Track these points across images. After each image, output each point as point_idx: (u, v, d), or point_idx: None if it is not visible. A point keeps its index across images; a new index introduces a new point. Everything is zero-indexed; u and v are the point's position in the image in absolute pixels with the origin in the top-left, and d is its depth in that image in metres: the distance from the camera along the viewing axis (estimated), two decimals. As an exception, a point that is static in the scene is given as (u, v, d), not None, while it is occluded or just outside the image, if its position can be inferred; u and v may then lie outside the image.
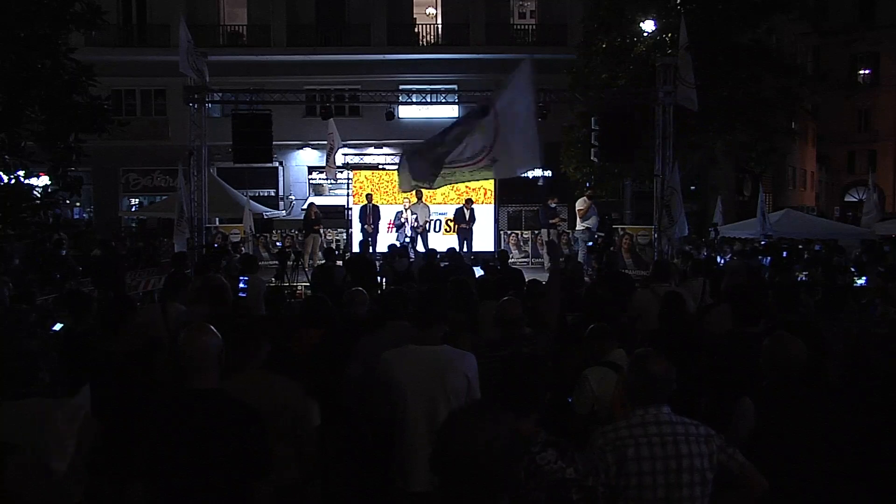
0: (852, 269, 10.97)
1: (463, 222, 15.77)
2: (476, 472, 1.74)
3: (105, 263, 11.37)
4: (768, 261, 12.38)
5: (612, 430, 2.74)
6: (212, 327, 3.02)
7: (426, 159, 5.71)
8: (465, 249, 15.59)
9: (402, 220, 15.61)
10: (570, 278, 7.73)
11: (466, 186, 17.17)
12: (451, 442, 1.78)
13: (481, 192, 16.80)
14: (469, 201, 16.05)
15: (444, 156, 5.49)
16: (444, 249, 11.77)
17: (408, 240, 15.08)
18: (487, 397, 3.37)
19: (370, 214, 15.90)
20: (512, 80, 5.52)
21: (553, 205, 15.91)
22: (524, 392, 2.63)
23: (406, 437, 3.39)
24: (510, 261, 12.25)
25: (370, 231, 15.76)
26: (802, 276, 10.84)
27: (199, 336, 2.96)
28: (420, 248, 14.74)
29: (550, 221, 15.80)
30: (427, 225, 15.82)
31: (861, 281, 9.96)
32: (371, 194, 16.46)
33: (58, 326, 5.25)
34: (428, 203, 16.09)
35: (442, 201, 16.79)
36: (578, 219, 14.99)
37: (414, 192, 16.17)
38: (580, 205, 15.13)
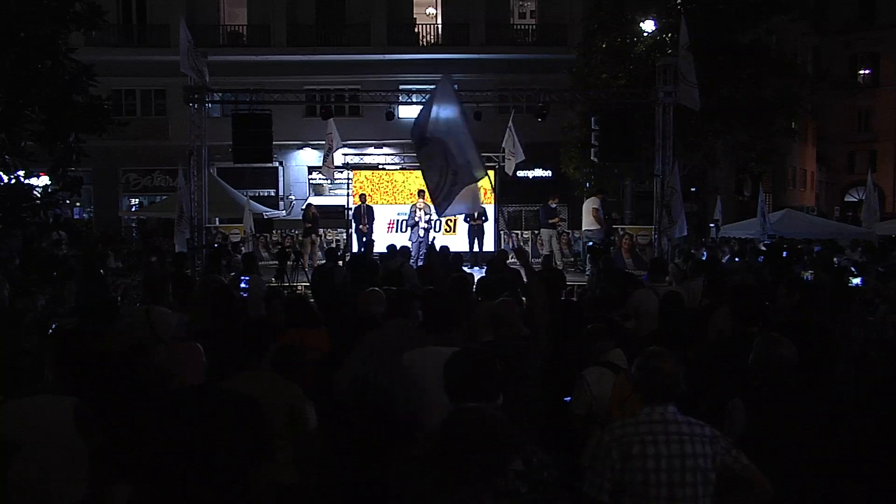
0: (853, 270, 10.96)
1: (473, 220, 15.75)
2: (472, 466, 1.79)
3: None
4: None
5: (619, 427, 2.77)
6: (195, 344, 3.11)
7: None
8: (476, 248, 15.59)
9: (416, 218, 15.57)
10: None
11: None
12: (451, 437, 1.84)
13: (481, 192, 16.77)
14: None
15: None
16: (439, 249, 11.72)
17: (421, 239, 15.01)
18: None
19: (364, 215, 15.86)
20: (433, 99, 5.46)
21: (554, 205, 15.93)
22: (474, 385, 2.60)
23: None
24: (509, 261, 12.25)
25: (364, 231, 15.73)
26: (808, 276, 10.83)
27: (185, 342, 3.07)
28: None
29: (550, 221, 15.81)
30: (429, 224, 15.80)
31: (857, 281, 9.95)
32: (364, 195, 16.39)
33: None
34: (428, 203, 16.08)
35: (416, 200, 16.71)
36: (593, 219, 15.10)
37: (417, 191, 16.21)
38: (596, 204, 15.25)
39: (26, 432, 3.03)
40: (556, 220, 16.00)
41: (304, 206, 18.49)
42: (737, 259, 13.73)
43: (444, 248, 11.04)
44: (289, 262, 12.46)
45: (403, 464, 2.22)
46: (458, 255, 10.92)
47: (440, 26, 25.90)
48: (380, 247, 13.61)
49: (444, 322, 3.63)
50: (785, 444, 3.19)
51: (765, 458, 2.88)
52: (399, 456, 3.26)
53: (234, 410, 2.93)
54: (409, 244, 13.28)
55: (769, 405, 3.26)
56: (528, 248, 17.61)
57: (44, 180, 9.79)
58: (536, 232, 17.60)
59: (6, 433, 2.98)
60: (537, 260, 16.73)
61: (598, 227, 15.19)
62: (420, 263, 12.39)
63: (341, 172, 17.67)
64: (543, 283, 5.04)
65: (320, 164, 21.08)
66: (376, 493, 3.53)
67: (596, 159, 15.28)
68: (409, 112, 22.94)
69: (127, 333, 4.69)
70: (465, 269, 10.85)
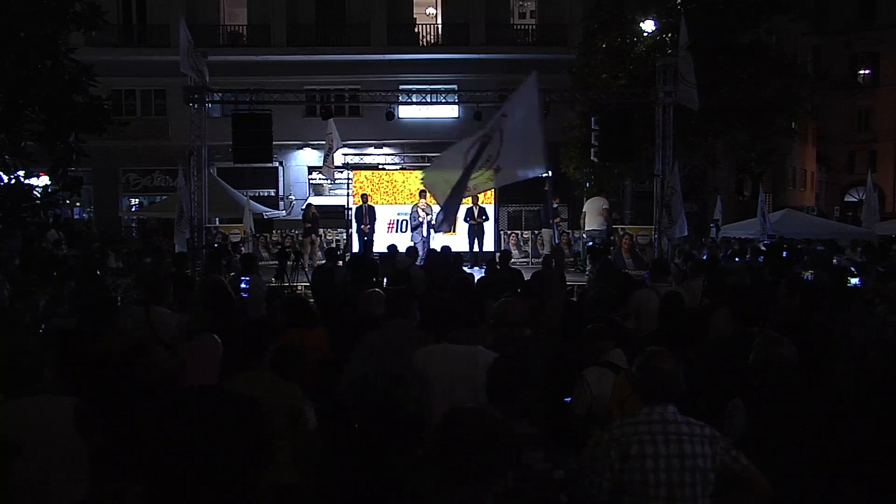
0: (852, 270, 10.96)
1: (473, 219, 15.74)
2: (471, 466, 1.79)
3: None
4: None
5: (618, 427, 2.77)
6: (213, 335, 3.09)
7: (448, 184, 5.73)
8: (476, 248, 15.58)
9: (420, 219, 15.53)
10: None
11: (467, 186, 17.18)
12: (451, 437, 1.84)
13: (481, 192, 16.78)
14: (475, 198, 16.05)
15: (464, 174, 5.50)
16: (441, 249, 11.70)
17: (424, 239, 14.98)
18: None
19: (366, 215, 15.88)
20: (518, 91, 5.47)
21: (555, 205, 15.94)
22: (514, 393, 2.61)
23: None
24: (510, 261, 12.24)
25: (366, 231, 15.74)
26: (808, 276, 10.83)
27: (200, 339, 3.03)
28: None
29: (551, 221, 15.82)
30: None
31: (855, 281, 9.94)
32: (366, 195, 16.41)
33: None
34: (430, 203, 16.05)
35: (418, 200, 16.73)
36: (603, 219, 15.13)
37: (418, 192, 16.23)
38: (605, 204, 15.28)
39: (26, 432, 3.03)
40: (556, 219, 16.00)
41: (304, 206, 18.49)
42: (736, 259, 13.72)
43: (446, 248, 11.01)
44: (289, 263, 12.44)
45: (406, 463, 2.23)
46: (458, 256, 10.92)
47: (440, 26, 25.90)
48: (380, 247, 13.62)
49: (443, 323, 3.63)
50: (785, 444, 3.19)
51: (765, 458, 2.88)
52: (402, 456, 3.26)
53: (235, 412, 2.92)
54: (412, 245, 13.27)
55: (769, 405, 3.26)
56: (528, 249, 17.63)
57: (44, 180, 9.79)
58: (536, 232, 17.59)
59: (6, 433, 2.98)
60: (537, 260, 16.78)
61: (605, 226, 15.23)
62: (421, 264, 12.37)
63: (341, 172, 17.66)
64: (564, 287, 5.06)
65: (320, 165, 21.09)
66: (376, 493, 3.54)
67: (596, 159, 15.29)
68: (409, 112, 22.98)
69: (127, 333, 4.69)
70: (464, 268, 10.84)
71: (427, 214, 15.47)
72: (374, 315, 4.81)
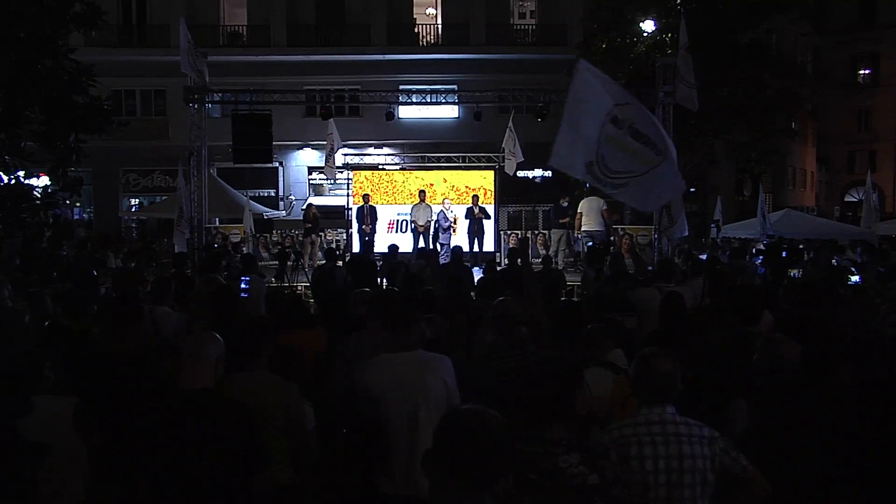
0: (853, 269, 10.97)
1: (473, 219, 15.71)
2: (472, 467, 1.80)
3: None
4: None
5: (617, 429, 2.77)
6: (214, 334, 3.07)
7: (582, 142, 5.35)
8: (476, 248, 15.56)
9: (448, 223, 15.46)
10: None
11: (466, 186, 17.20)
12: (452, 437, 1.84)
13: (481, 192, 16.78)
14: (476, 198, 16.03)
15: (601, 157, 5.20)
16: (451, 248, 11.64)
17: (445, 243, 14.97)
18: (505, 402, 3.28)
19: (367, 215, 15.88)
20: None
21: (565, 204, 15.93)
22: (554, 398, 2.52)
23: (388, 443, 3.38)
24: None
25: (367, 231, 15.74)
26: (795, 274, 10.86)
27: (198, 339, 3.02)
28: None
29: (560, 221, 15.81)
30: (428, 225, 15.76)
31: (855, 278, 9.95)
32: (368, 195, 16.41)
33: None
34: (430, 204, 16.06)
35: (442, 202, 16.78)
36: (603, 220, 15.10)
37: (417, 192, 16.22)
38: (604, 205, 15.28)
39: (26, 433, 3.03)
40: (565, 219, 15.96)
41: (304, 207, 18.48)
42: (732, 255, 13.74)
43: (457, 248, 10.99)
44: (289, 263, 12.44)
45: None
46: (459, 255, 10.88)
47: (440, 26, 25.90)
48: (380, 247, 13.59)
49: (400, 322, 3.56)
50: (787, 445, 3.18)
51: (766, 459, 2.88)
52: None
53: (224, 417, 2.90)
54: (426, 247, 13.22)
55: (772, 406, 3.25)
56: (528, 249, 17.58)
57: (44, 180, 9.81)
58: (537, 231, 17.57)
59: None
60: (537, 260, 16.75)
61: (604, 227, 15.20)
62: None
63: (341, 172, 17.67)
64: (536, 283, 5.04)
65: (320, 165, 21.09)
66: (368, 494, 3.53)
67: (596, 159, 15.26)
68: (409, 112, 22.98)
69: (143, 333, 4.64)
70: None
71: (452, 213, 15.52)
72: (360, 315, 4.81)
